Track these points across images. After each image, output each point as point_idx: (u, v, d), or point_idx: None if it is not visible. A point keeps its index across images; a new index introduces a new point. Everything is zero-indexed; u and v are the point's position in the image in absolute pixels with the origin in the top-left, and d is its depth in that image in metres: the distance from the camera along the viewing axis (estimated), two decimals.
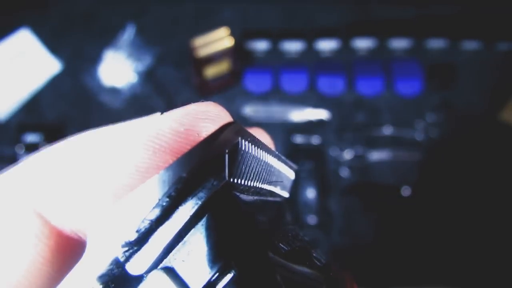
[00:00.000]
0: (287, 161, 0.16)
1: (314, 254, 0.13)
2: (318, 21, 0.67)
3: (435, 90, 0.63)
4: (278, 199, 0.16)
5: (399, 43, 0.64)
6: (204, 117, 0.12)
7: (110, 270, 0.10)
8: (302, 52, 0.64)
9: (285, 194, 0.16)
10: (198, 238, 0.10)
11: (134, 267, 0.10)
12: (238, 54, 0.60)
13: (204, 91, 0.62)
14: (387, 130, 0.61)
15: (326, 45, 0.63)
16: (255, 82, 0.63)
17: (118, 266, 0.10)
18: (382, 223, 0.59)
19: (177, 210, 0.10)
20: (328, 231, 0.58)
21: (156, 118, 0.12)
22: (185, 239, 0.10)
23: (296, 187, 0.58)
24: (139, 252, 0.10)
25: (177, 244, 0.10)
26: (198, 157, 0.10)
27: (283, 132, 0.61)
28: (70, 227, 0.12)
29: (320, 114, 0.61)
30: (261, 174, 0.13)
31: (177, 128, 0.12)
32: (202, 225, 0.10)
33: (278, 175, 0.15)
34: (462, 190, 0.58)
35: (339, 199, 0.59)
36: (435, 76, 0.63)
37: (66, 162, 0.12)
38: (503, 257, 0.55)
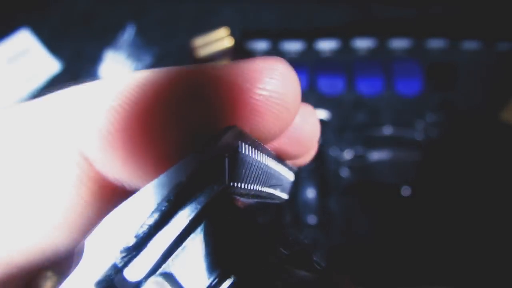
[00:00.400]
0: (287, 163, 0.16)
1: (314, 258, 0.14)
2: (318, 21, 0.67)
3: (435, 90, 0.63)
4: (277, 201, 0.16)
5: (399, 43, 0.63)
6: (270, 75, 0.12)
7: (108, 276, 0.10)
8: (302, 52, 0.64)
9: (285, 196, 0.17)
10: (197, 243, 0.10)
11: (132, 273, 0.10)
12: (238, 54, 0.60)
13: None
14: (387, 130, 0.61)
15: (326, 45, 0.63)
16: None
17: (116, 271, 0.10)
18: (382, 223, 0.59)
19: (176, 215, 0.10)
20: (328, 231, 0.58)
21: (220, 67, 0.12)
22: (184, 244, 0.10)
23: (296, 187, 0.58)
24: (137, 258, 0.10)
25: (176, 249, 0.10)
26: (198, 162, 0.10)
27: None
28: (113, 174, 0.12)
29: (320, 114, 0.61)
30: (260, 177, 0.13)
31: (241, 84, 0.11)
32: (201, 230, 0.10)
33: (278, 177, 0.15)
34: (462, 190, 0.58)
35: (339, 199, 0.59)
36: (435, 76, 0.63)
37: (118, 109, 0.11)
38: (504, 257, 0.55)
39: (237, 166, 0.11)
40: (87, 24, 0.66)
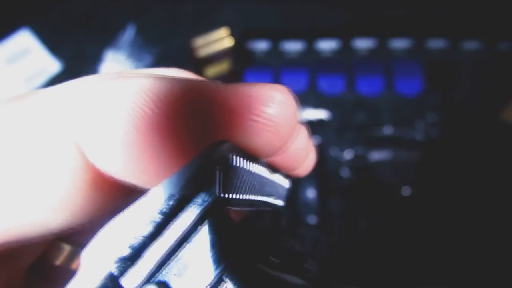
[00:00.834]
0: (281, 171, 0.16)
1: (305, 266, 0.14)
2: (318, 21, 0.67)
3: (435, 90, 0.63)
4: (272, 208, 0.16)
5: (399, 43, 0.64)
6: (267, 103, 0.12)
7: (105, 284, 0.10)
8: (302, 52, 0.64)
9: (280, 203, 0.17)
10: (190, 253, 0.11)
11: (128, 282, 0.10)
12: (238, 54, 0.60)
13: None
14: (387, 130, 0.61)
15: (326, 45, 0.63)
16: (255, 82, 0.63)
17: (113, 280, 0.10)
18: (382, 223, 0.59)
19: (169, 225, 0.11)
20: (328, 231, 0.59)
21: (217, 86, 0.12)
22: (178, 254, 0.11)
23: (296, 187, 0.58)
24: (133, 267, 0.10)
25: (170, 259, 0.11)
26: (190, 174, 0.11)
27: None
28: (109, 170, 0.12)
29: (320, 114, 0.61)
30: (254, 187, 0.14)
31: (234, 106, 0.12)
32: (194, 240, 0.11)
33: (272, 185, 0.16)
34: (462, 190, 0.58)
35: (339, 199, 0.59)
36: (435, 76, 0.63)
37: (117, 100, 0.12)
38: (504, 257, 0.55)
39: (228, 177, 0.12)
40: (87, 24, 0.66)
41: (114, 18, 0.66)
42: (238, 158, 0.12)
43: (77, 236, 0.17)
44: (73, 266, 0.16)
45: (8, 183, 0.12)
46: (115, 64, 0.62)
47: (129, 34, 0.63)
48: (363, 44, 0.64)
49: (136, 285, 0.10)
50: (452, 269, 0.56)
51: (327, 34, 0.64)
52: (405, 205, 0.59)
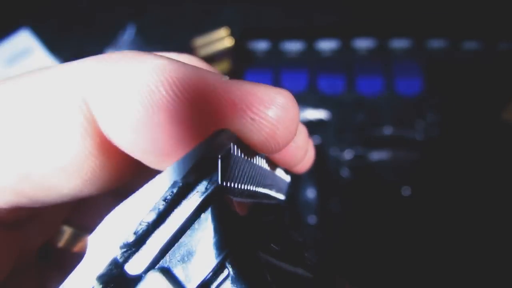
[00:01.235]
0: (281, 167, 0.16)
1: (306, 255, 0.14)
2: (318, 21, 0.67)
3: (435, 90, 0.63)
4: (273, 201, 0.16)
5: (399, 43, 0.64)
6: (266, 105, 0.13)
7: (110, 270, 0.10)
8: (302, 52, 0.64)
9: (281, 197, 0.17)
10: (192, 240, 0.11)
11: (132, 268, 0.11)
12: (238, 54, 0.60)
13: None
14: (387, 130, 0.61)
15: (326, 45, 0.64)
16: (255, 82, 0.63)
17: (117, 266, 0.10)
18: (382, 223, 0.59)
19: (172, 212, 0.11)
20: (328, 231, 0.59)
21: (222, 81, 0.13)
22: (180, 240, 0.11)
23: (296, 187, 0.58)
24: (137, 253, 0.11)
25: (173, 245, 0.11)
26: (192, 162, 0.11)
27: None
28: (117, 141, 0.12)
29: (320, 114, 0.61)
30: (255, 178, 0.14)
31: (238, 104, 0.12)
32: (197, 227, 0.11)
33: (273, 178, 0.16)
34: (462, 190, 0.58)
35: (339, 199, 0.59)
36: (435, 76, 0.63)
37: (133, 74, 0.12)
38: (504, 257, 0.55)
39: (230, 166, 0.12)
40: (87, 24, 0.66)
41: (114, 18, 0.66)
42: (239, 147, 0.12)
43: (80, 217, 0.17)
44: (75, 248, 0.17)
45: (19, 140, 0.12)
46: None
47: (129, 34, 0.63)
48: (363, 44, 0.64)
49: (140, 271, 0.11)
50: (452, 269, 0.56)
51: (327, 34, 0.64)
52: (405, 205, 0.59)
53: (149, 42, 0.64)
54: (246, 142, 0.13)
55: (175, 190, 0.11)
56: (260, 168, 0.14)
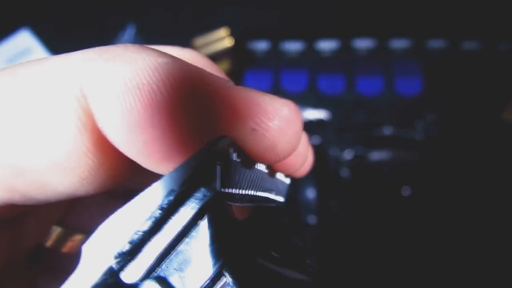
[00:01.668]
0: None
1: (306, 261, 0.14)
2: (318, 21, 0.67)
3: (435, 90, 0.63)
4: (273, 204, 0.16)
5: (399, 43, 0.64)
6: (269, 116, 0.12)
7: (104, 279, 0.10)
8: (302, 52, 0.64)
9: (280, 199, 0.17)
10: (190, 247, 0.11)
11: (128, 276, 0.10)
12: (238, 54, 0.60)
13: None
14: (387, 130, 0.61)
15: (326, 45, 0.64)
16: (255, 82, 0.63)
17: (112, 275, 0.10)
18: (382, 223, 0.59)
19: (169, 220, 0.11)
20: (328, 231, 0.58)
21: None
22: (178, 248, 0.11)
23: (296, 187, 0.58)
24: (132, 262, 0.10)
25: (170, 253, 0.11)
26: (191, 169, 0.11)
27: None
28: (113, 139, 0.12)
29: (320, 114, 0.61)
30: (254, 182, 0.13)
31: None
32: (194, 234, 0.11)
33: (272, 181, 0.15)
34: (462, 190, 0.58)
35: (339, 199, 0.59)
36: (435, 76, 0.63)
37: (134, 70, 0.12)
38: (504, 257, 0.55)
39: (228, 172, 0.12)
40: (87, 24, 0.66)
41: (114, 18, 0.66)
42: (238, 153, 0.12)
43: (71, 217, 0.17)
44: (65, 248, 0.16)
45: (13, 132, 0.12)
46: None
47: (129, 34, 0.63)
48: (363, 44, 0.64)
49: (136, 279, 0.10)
50: (452, 269, 0.56)
51: (327, 34, 0.64)
52: (405, 205, 0.59)
53: (149, 42, 0.64)
54: (245, 151, 0.13)
55: (171, 198, 0.10)
56: (260, 172, 0.14)
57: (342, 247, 0.58)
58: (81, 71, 0.12)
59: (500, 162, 0.59)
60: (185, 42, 0.58)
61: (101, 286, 0.10)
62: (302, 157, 0.16)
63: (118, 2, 0.67)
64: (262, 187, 0.14)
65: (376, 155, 0.60)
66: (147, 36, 0.64)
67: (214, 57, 0.57)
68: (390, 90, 0.63)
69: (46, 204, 0.13)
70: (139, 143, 0.12)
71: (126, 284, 0.10)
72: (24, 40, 0.64)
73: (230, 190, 0.12)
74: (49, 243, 0.16)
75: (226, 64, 0.58)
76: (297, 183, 0.58)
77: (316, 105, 0.62)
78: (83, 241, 0.11)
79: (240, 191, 0.13)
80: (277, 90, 0.63)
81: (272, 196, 0.16)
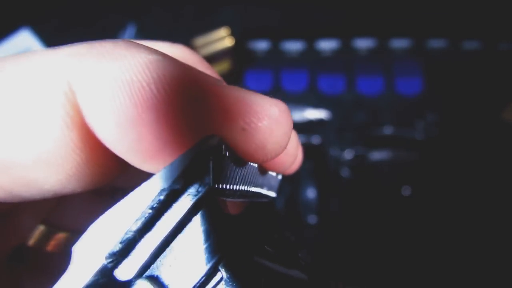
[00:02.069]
0: None
1: (299, 255, 0.14)
2: (318, 21, 0.67)
3: (435, 90, 0.63)
4: (265, 199, 0.16)
5: (399, 43, 0.64)
6: (258, 116, 0.12)
7: (96, 280, 0.10)
8: (302, 52, 0.64)
9: (272, 194, 0.17)
10: (184, 244, 0.11)
11: (120, 275, 0.10)
12: (238, 54, 0.60)
13: None
14: (387, 130, 0.61)
15: (326, 45, 0.64)
16: (256, 82, 0.63)
17: (104, 275, 0.10)
18: (382, 223, 0.59)
19: (160, 219, 0.10)
20: (328, 231, 0.59)
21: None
22: (171, 245, 0.11)
23: (296, 187, 0.58)
24: (124, 262, 0.10)
25: (164, 251, 0.11)
26: (183, 166, 0.10)
27: None
28: (101, 135, 0.12)
29: (320, 114, 0.61)
30: (246, 178, 0.13)
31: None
32: (188, 231, 0.11)
33: (264, 177, 0.15)
34: (463, 190, 0.58)
35: (339, 199, 0.59)
36: (435, 76, 0.63)
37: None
38: (504, 257, 0.55)
39: (221, 168, 0.12)
40: (87, 24, 0.66)
41: (114, 18, 0.66)
42: (230, 148, 0.12)
43: (56, 215, 0.16)
44: (48, 247, 0.16)
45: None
46: None
47: (129, 34, 0.63)
48: (363, 44, 0.64)
49: (129, 277, 0.10)
50: (452, 269, 0.56)
51: (327, 34, 0.64)
52: (405, 205, 0.59)
53: None
54: (235, 149, 0.12)
55: (164, 195, 0.10)
56: (252, 167, 0.14)
57: (342, 247, 0.58)
58: (69, 65, 0.12)
59: (500, 162, 0.59)
60: (185, 42, 0.58)
61: (93, 286, 0.10)
62: (291, 157, 0.16)
63: (118, 2, 0.67)
64: (254, 182, 0.14)
65: (376, 155, 0.60)
66: (147, 36, 0.64)
67: (214, 57, 0.57)
68: (390, 90, 0.63)
69: (32, 202, 0.13)
70: (128, 141, 0.11)
71: (119, 281, 0.10)
72: (24, 40, 0.64)
73: (223, 186, 0.12)
74: (32, 241, 0.16)
75: (226, 64, 0.58)
76: (297, 183, 0.58)
77: (316, 105, 0.62)
78: (71, 240, 0.11)
79: (233, 187, 0.13)
80: (277, 90, 0.63)
81: (264, 191, 0.16)
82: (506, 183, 0.58)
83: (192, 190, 0.11)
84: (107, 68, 0.11)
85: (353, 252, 0.58)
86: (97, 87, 0.11)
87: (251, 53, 0.64)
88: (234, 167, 0.13)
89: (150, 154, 0.12)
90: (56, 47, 0.12)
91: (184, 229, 0.11)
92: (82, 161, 0.12)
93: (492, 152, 0.60)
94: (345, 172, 0.60)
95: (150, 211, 0.10)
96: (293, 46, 0.63)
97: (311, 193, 0.58)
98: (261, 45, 0.64)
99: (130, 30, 0.64)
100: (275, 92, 0.63)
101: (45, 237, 0.16)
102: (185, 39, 0.57)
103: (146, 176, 0.11)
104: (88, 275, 0.10)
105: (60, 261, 0.11)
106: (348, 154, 0.60)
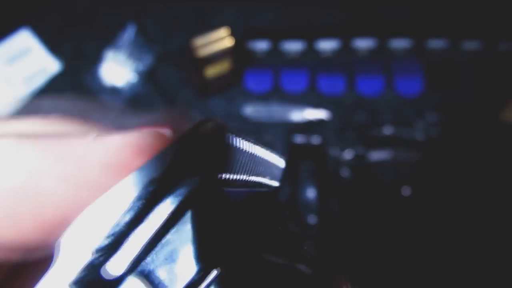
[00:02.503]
0: (274, 151, 0.16)
1: (303, 248, 0.13)
2: (318, 21, 0.67)
3: (435, 90, 0.63)
4: (267, 189, 0.15)
5: (399, 43, 0.64)
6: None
7: (84, 275, 0.10)
8: (302, 52, 0.64)
9: (275, 184, 0.16)
10: (178, 237, 0.10)
11: (109, 271, 0.10)
12: (238, 54, 0.60)
13: (204, 91, 0.62)
14: (387, 130, 0.61)
15: (326, 45, 0.63)
16: (256, 82, 0.63)
17: (92, 271, 0.10)
18: (382, 223, 0.59)
19: (152, 211, 0.10)
20: (328, 231, 0.58)
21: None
22: (165, 239, 0.10)
23: (296, 187, 0.58)
24: (113, 257, 0.10)
25: (156, 245, 0.10)
26: (177, 153, 0.10)
27: (283, 132, 0.61)
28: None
29: (320, 114, 0.61)
30: (247, 166, 0.13)
31: None
32: (183, 223, 0.10)
33: (266, 165, 0.15)
34: (462, 190, 0.58)
35: (339, 199, 0.59)
36: (435, 76, 0.63)
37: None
38: (504, 257, 0.55)
39: (219, 155, 0.11)
40: (87, 24, 0.66)
41: (114, 18, 0.66)
42: (230, 134, 0.11)
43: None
44: None
45: None
46: (115, 64, 0.62)
47: (129, 34, 0.63)
48: (363, 44, 0.64)
49: (119, 274, 0.10)
50: (452, 269, 0.56)
51: (327, 34, 0.64)
52: (405, 205, 0.59)
53: (149, 42, 0.64)
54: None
55: (154, 188, 0.10)
56: (252, 155, 0.13)
57: (342, 247, 0.58)
58: None
59: (499, 162, 0.59)
60: (185, 42, 0.58)
61: (80, 283, 0.09)
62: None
63: (118, 2, 0.67)
64: (255, 171, 0.14)
65: (376, 155, 0.60)
66: (147, 36, 0.64)
67: (214, 57, 0.57)
68: (390, 90, 0.63)
69: None
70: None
71: (108, 278, 0.10)
72: (24, 40, 0.64)
73: (222, 175, 0.11)
74: None
75: (226, 64, 0.58)
76: (297, 183, 0.58)
77: (316, 105, 0.62)
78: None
79: (233, 176, 0.12)
80: (277, 90, 0.63)
81: (266, 180, 0.15)
82: (505, 182, 0.58)
83: (188, 179, 0.10)
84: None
85: (353, 252, 0.58)
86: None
87: (251, 53, 0.64)
88: (235, 155, 0.12)
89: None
90: None
91: (179, 221, 0.10)
92: None
93: (491, 152, 0.60)
94: (345, 172, 0.60)
95: (141, 201, 0.10)
96: (293, 46, 0.63)
97: (311, 193, 0.58)
98: (261, 45, 0.64)
99: (130, 30, 0.64)
100: (275, 92, 0.63)
101: None
102: (185, 39, 0.57)
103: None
104: (75, 271, 0.09)
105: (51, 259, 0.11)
106: (348, 154, 0.60)
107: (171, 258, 0.10)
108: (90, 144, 0.11)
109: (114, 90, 0.62)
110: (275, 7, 0.67)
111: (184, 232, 0.10)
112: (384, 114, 0.62)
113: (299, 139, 0.60)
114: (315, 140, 0.60)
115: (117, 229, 0.10)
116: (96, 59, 0.63)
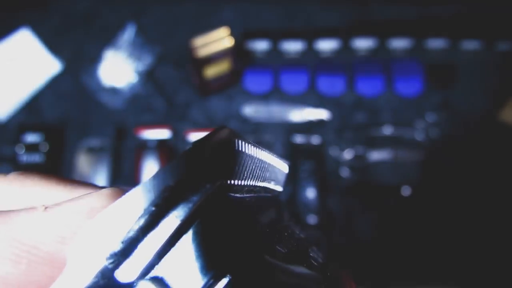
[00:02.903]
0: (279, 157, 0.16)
1: (311, 254, 0.13)
2: (318, 21, 0.67)
3: (435, 90, 0.63)
4: (272, 194, 0.15)
5: (399, 43, 0.63)
6: None
7: (97, 281, 0.10)
8: (302, 52, 0.64)
9: (279, 188, 0.16)
10: (190, 244, 0.10)
11: (122, 277, 0.10)
12: (238, 54, 0.60)
13: (204, 91, 0.62)
14: (387, 130, 0.61)
15: (326, 45, 0.63)
16: (255, 82, 0.63)
17: (105, 277, 0.10)
18: (382, 223, 0.59)
19: (165, 217, 0.10)
20: (328, 231, 0.58)
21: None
22: (176, 245, 0.10)
23: (296, 187, 0.58)
24: (126, 262, 0.10)
25: (168, 251, 0.10)
26: (189, 160, 0.10)
27: (283, 132, 0.61)
28: None
29: (320, 114, 0.61)
30: (254, 172, 0.13)
31: None
32: (194, 230, 0.10)
33: (272, 170, 0.15)
34: (462, 190, 0.58)
35: (339, 199, 0.59)
36: (435, 76, 0.63)
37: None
38: (504, 257, 0.55)
39: (230, 163, 0.11)
40: (87, 24, 0.66)
41: (114, 18, 0.66)
42: (240, 142, 0.12)
43: None
44: None
45: None
46: (115, 64, 0.62)
47: (129, 34, 0.63)
48: (363, 44, 0.64)
49: (131, 279, 0.10)
50: (451, 268, 0.56)
51: (327, 34, 0.64)
52: (405, 205, 0.59)
53: (149, 42, 0.64)
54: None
55: (167, 194, 0.10)
56: (260, 161, 0.13)
57: (342, 247, 0.58)
58: None
59: (498, 162, 0.59)
60: (185, 42, 0.58)
61: None
62: None
63: (118, 2, 0.67)
64: (262, 177, 0.14)
65: (376, 155, 0.60)
66: (147, 36, 0.64)
67: (214, 57, 0.57)
68: (390, 90, 0.63)
69: None
70: None
71: (121, 283, 0.10)
72: (24, 40, 0.64)
73: (231, 182, 0.11)
74: None
75: (226, 64, 0.58)
76: (297, 183, 0.58)
77: (316, 105, 0.62)
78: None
79: (242, 182, 0.12)
80: (277, 90, 0.63)
81: (271, 186, 0.15)
82: (505, 182, 0.58)
83: (199, 186, 0.10)
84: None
85: (353, 252, 0.58)
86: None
87: (251, 53, 0.64)
88: (244, 162, 0.12)
89: None
90: None
91: (191, 227, 0.10)
92: None
93: (490, 152, 0.60)
94: (345, 173, 0.60)
95: (154, 208, 0.10)
96: (293, 46, 0.63)
97: (311, 193, 0.58)
98: (261, 45, 0.64)
99: (130, 30, 0.64)
100: (274, 92, 0.63)
101: None
102: (185, 39, 0.57)
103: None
104: (88, 276, 0.09)
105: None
106: (348, 154, 0.60)
107: (183, 264, 0.10)
108: (40, 218, 0.11)
109: (113, 90, 0.62)
110: (275, 7, 0.67)
111: (196, 238, 0.10)
112: (384, 114, 0.62)
113: (299, 139, 0.60)
114: (315, 140, 0.60)
115: (130, 234, 0.10)
116: (96, 59, 0.63)
